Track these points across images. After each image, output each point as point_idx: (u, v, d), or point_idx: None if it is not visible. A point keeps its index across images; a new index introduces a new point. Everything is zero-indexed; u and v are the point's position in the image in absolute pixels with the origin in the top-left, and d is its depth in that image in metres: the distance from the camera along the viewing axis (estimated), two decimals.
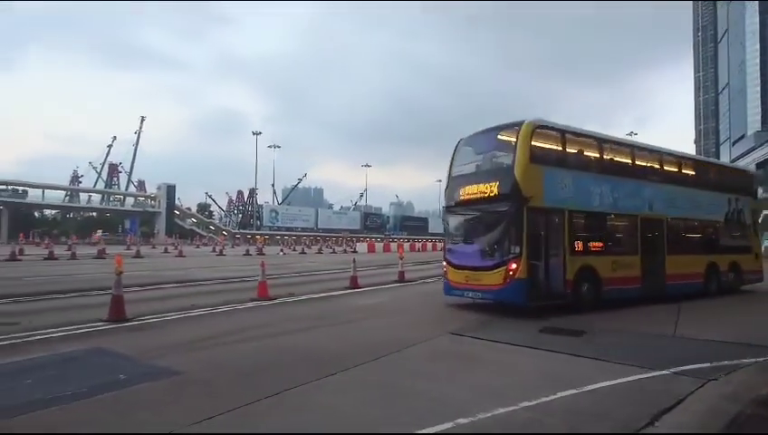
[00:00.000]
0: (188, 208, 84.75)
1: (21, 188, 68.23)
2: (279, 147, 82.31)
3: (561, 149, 9.75)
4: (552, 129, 9.78)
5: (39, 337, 6.61)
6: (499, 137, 9.90)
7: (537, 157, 9.09)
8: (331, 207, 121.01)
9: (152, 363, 5.38)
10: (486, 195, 9.16)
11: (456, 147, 10.59)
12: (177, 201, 78.60)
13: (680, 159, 12.83)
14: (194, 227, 78.42)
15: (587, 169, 10.21)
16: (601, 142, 10.62)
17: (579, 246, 9.38)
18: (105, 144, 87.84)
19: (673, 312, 9.37)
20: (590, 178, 10.07)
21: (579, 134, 10.32)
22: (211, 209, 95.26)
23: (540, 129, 9.34)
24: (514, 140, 9.00)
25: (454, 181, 10.25)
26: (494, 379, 5.14)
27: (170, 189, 75.62)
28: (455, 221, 10.30)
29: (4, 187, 66.82)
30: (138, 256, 25.84)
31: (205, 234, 73.62)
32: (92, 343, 6.37)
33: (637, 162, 11.32)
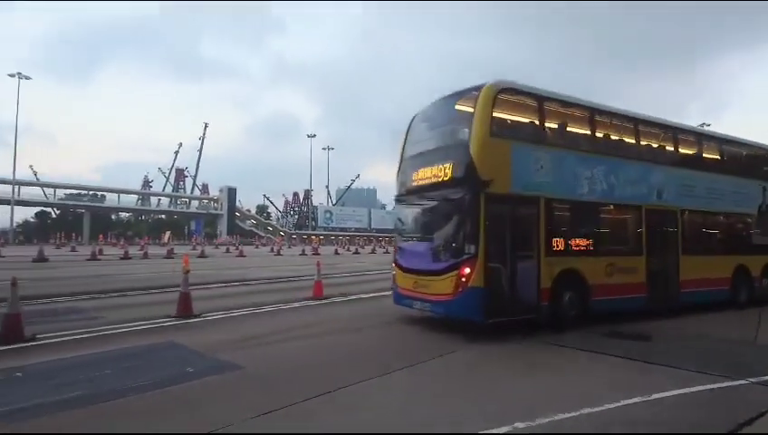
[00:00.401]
0: (248, 210, 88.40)
1: (100, 193, 74.21)
2: (333, 148, 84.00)
3: (536, 120, 7.91)
4: (525, 93, 7.87)
5: (117, 331, 7.15)
6: (457, 106, 8.03)
7: (502, 129, 7.50)
8: (383, 207, 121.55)
9: (216, 358, 5.68)
10: (440, 179, 7.42)
11: (411, 122, 8.78)
12: (237, 203, 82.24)
13: (700, 137, 10.76)
14: (253, 228, 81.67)
15: (573, 147, 8.32)
16: (594, 113, 8.64)
17: (559, 244, 7.52)
18: (172, 150, 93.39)
19: (753, 316, 8.65)
20: (577, 159, 8.14)
21: (562, 101, 8.37)
22: (269, 211, 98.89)
23: (506, 93, 7.55)
24: (473, 109, 7.24)
25: (405, 165, 8.54)
26: (555, 383, 4.98)
27: (231, 192, 79.23)
28: (404, 214, 8.63)
29: (85, 192, 72.99)
30: (202, 255, 27.26)
31: (263, 234, 76.49)
32: (163, 337, 6.81)
33: (642, 139, 9.36)
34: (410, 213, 8.53)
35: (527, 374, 5.36)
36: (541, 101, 7.91)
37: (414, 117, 8.82)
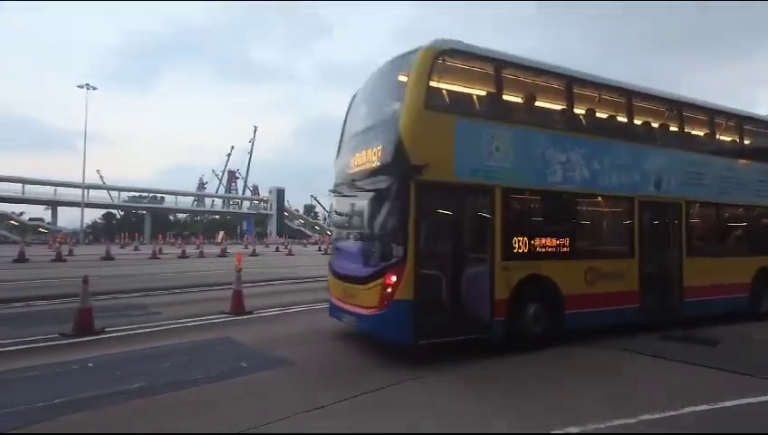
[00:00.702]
0: (296, 210, 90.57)
1: (159, 195, 78.49)
2: None
3: (493, 89, 6.43)
4: (477, 57, 6.37)
5: (175, 326, 7.55)
6: (396, 75, 6.52)
7: (445, 102, 6.32)
8: None
9: (268, 353, 5.86)
10: (372, 165, 6.07)
11: (352, 100, 7.45)
12: (286, 203, 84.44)
13: (711, 114, 8.82)
14: (301, 228, 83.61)
15: (543, 124, 6.90)
16: (572, 82, 7.05)
17: (521, 244, 6.13)
18: (225, 153, 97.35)
19: None
20: (549, 139, 6.63)
21: (529, 68, 6.84)
22: (316, 210, 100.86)
23: (450, 56, 6.13)
24: (408, 77, 5.91)
25: (343, 149, 7.29)
26: (613, 388, 4.80)
27: (280, 193, 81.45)
28: (339, 207, 7.34)
29: (146, 194, 77.46)
30: (254, 254, 28.25)
31: (311, 233, 78.16)
32: (218, 332, 7.11)
33: (635, 115, 7.74)
34: (343, 206, 7.17)
35: (580, 378, 5.20)
36: (499, 67, 6.42)
37: (357, 91, 7.41)
